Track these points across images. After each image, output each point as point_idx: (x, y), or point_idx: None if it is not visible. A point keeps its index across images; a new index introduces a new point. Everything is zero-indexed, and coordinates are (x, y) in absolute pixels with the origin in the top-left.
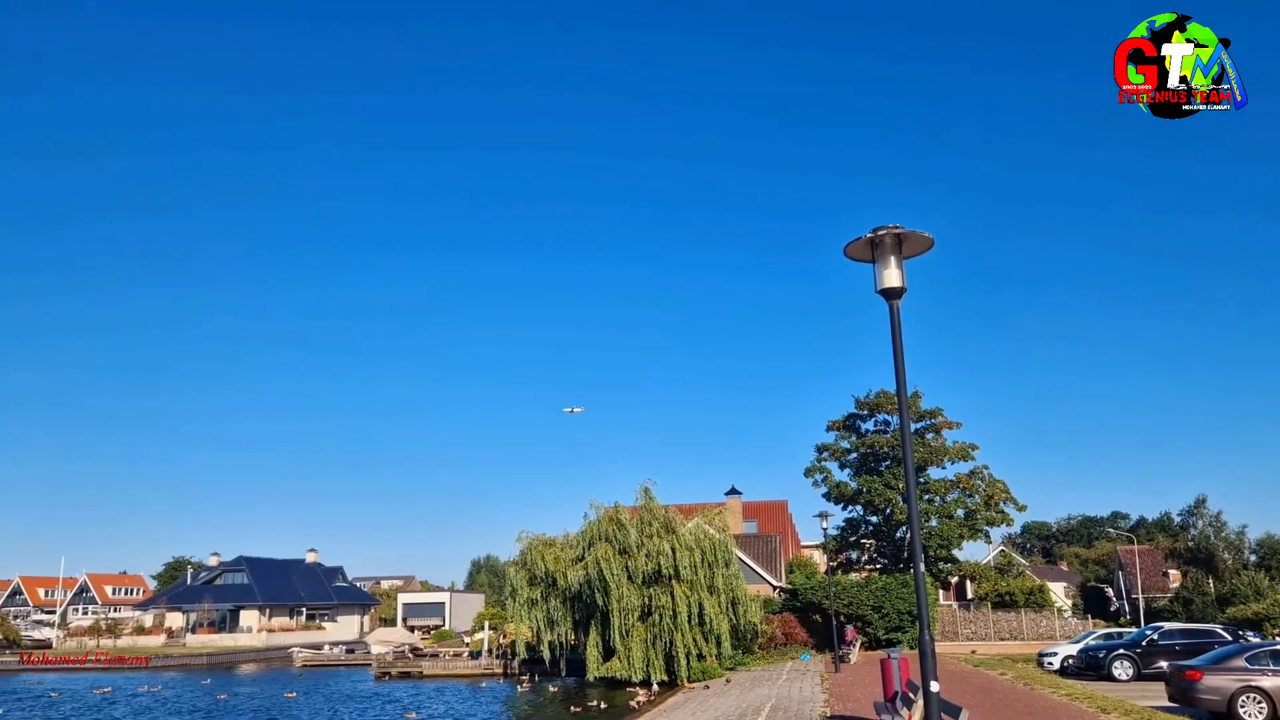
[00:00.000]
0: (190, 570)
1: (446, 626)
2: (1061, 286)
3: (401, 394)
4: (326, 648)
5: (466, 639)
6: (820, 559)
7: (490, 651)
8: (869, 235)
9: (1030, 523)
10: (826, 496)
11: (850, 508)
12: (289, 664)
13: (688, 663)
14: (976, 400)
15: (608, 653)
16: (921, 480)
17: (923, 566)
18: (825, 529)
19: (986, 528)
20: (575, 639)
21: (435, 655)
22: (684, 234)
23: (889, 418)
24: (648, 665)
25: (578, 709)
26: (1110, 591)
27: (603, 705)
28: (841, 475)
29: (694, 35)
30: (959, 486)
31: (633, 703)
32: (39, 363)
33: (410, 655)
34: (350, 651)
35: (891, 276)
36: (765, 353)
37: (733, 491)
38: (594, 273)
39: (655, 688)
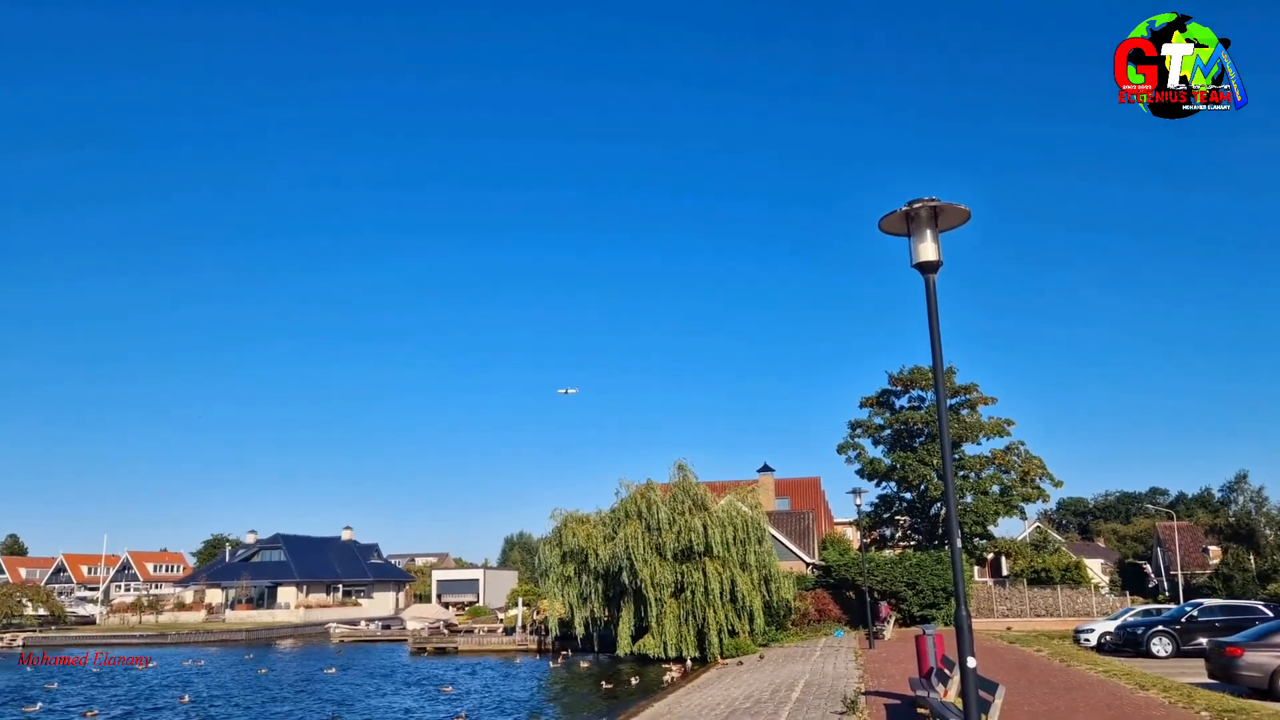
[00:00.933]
0: (229, 548)
1: (480, 603)
2: (1101, 266)
3: (435, 374)
4: (363, 624)
5: (500, 615)
6: (854, 535)
7: (524, 628)
8: (905, 208)
9: (1067, 499)
10: (860, 473)
11: (884, 484)
12: (326, 640)
13: (720, 639)
14: (1012, 375)
15: (640, 629)
16: (956, 456)
17: (959, 543)
18: (859, 505)
19: (1022, 504)
20: (608, 615)
21: (470, 631)
22: (714, 220)
23: (923, 393)
24: (680, 642)
25: (610, 685)
26: (1148, 568)
27: (635, 681)
28: (875, 451)
29: (702, 23)
30: (994, 462)
31: (665, 679)
32: (72, 348)
33: (445, 631)
34: (386, 628)
35: (927, 250)
36: (798, 331)
37: (765, 468)
38: (622, 260)
39: (688, 664)
